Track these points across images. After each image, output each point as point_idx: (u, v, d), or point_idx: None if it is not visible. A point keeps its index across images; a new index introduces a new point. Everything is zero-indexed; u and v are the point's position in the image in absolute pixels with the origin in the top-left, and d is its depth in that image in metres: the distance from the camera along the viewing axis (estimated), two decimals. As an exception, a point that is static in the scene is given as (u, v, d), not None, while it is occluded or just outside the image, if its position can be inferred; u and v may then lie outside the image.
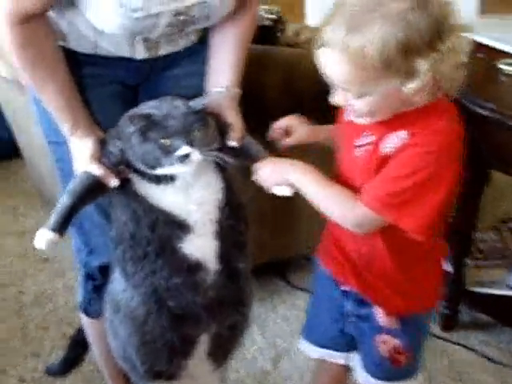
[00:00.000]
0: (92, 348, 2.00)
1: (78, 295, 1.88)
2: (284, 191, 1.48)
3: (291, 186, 1.46)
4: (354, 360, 1.69)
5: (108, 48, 1.58)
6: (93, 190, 1.49)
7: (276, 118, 2.14)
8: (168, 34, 1.55)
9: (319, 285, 1.69)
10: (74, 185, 1.49)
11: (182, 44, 1.67)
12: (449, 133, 1.34)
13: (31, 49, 1.47)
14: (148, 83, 1.69)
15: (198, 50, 1.70)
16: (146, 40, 1.57)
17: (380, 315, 1.55)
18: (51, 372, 2.26)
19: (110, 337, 1.71)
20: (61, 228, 1.41)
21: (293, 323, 2.55)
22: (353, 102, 1.34)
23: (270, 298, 2.68)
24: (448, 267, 2.50)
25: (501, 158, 2.13)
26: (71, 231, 1.80)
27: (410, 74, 1.26)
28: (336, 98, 1.37)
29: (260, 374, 2.32)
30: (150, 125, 1.42)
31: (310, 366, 2.28)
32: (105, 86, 1.64)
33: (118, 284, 1.61)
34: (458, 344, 2.47)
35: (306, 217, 2.54)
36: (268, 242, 2.44)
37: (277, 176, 1.48)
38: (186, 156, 1.41)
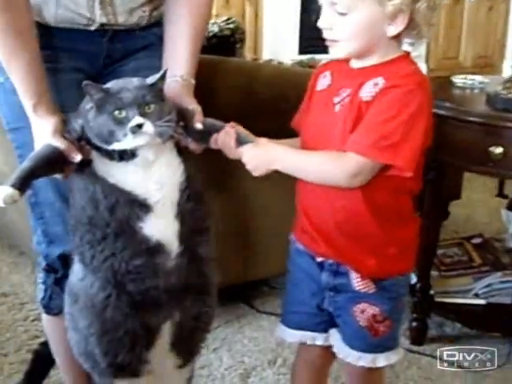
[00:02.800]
0: (54, 352, 1.91)
1: (39, 292, 1.82)
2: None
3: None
4: (333, 337, 1.66)
5: (68, 4, 1.60)
6: (53, 161, 1.47)
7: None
8: None
9: (296, 263, 1.67)
10: (34, 152, 1.48)
11: (136, 16, 1.70)
12: (420, 74, 1.46)
13: (8, 13, 1.49)
14: (107, 76, 1.70)
15: (155, 45, 1.74)
16: None
17: (356, 279, 1.54)
18: None
19: (69, 332, 1.65)
20: (20, 186, 1.37)
21: (260, 343, 2.51)
22: (336, 21, 1.43)
23: (236, 321, 2.64)
24: (413, 280, 2.51)
25: (456, 154, 2.25)
26: (33, 224, 1.78)
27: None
28: (322, 20, 1.45)
29: (230, 390, 2.26)
30: (105, 97, 1.42)
31: (281, 380, 2.26)
32: (66, 72, 1.65)
33: (76, 273, 1.57)
34: (431, 356, 2.45)
35: (266, 238, 2.56)
36: (229, 263, 2.42)
37: (263, 166, 1.52)
38: (139, 127, 1.40)
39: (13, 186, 1.36)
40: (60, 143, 1.47)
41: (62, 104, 1.58)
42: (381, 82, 1.41)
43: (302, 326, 1.68)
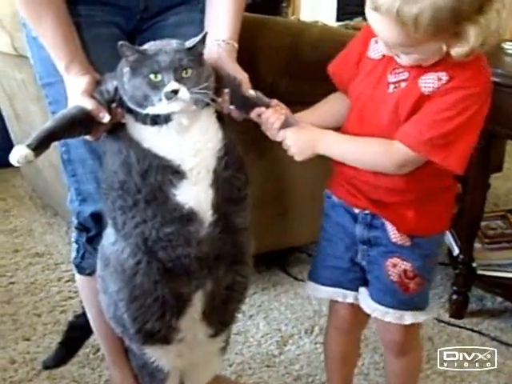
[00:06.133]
0: (87, 313, 1.87)
1: (72, 252, 1.80)
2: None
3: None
4: (362, 294, 1.65)
5: None
6: (79, 121, 1.42)
7: (282, 82, 2.10)
8: None
9: (330, 217, 1.66)
10: (60, 113, 1.43)
11: None
12: (485, 74, 1.41)
13: None
14: (145, 32, 1.66)
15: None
16: None
17: (393, 231, 1.54)
18: (49, 365, 2.05)
19: (101, 295, 1.63)
20: (36, 147, 1.33)
21: (297, 311, 2.48)
22: (398, 55, 1.40)
23: (272, 288, 2.61)
24: (456, 251, 2.45)
25: (508, 123, 2.18)
26: (66, 182, 1.76)
27: (458, 36, 1.30)
28: (381, 48, 1.42)
29: (266, 358, 2.22)
30: (141, 59, 1.36)
31: (318, 349, 2.21)
32: (100, 27, 1.60)
33: (109, 237, 1.53)
34: (471, 330, 2.39)
35: (303, 205, 2.51)
36: (266, 229, 2.37)
37: (307, 149, 1.51)
38: (174, 92, 1.34)
39: (28, 146, 1.32)
40: (88, 103, 1.42)
41: (96, 60, 1.54)
42: (444, 78, 1.37)
43: (334, 283, 1.67)
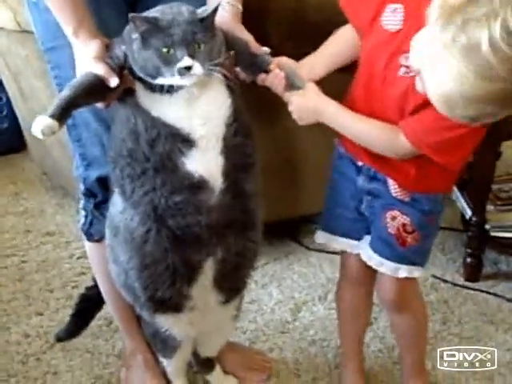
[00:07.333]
0: (98, 281, 1.88)
1: (80, 219, 1.80)
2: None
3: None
4: (364, 242, 1.66)
5: None
6: (94, 87, 1.39)
7: (287, 45, 2.08)
8: None
9: (336, 166, 1.67)
10: (74, 81, 1.40)
11: None
12: None
13: None
14: (146, 1, 1.61)
15: None
16: None
17: (393, 186, 1.56)
18: (61, 337, 2.06)
19: (110, 264, 1.62)
20: (59, 116, 1.30)
21: (310, 279, 2.46)
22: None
23: (284, 258, 2.59)
24: (468, 214, 2.43)
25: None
26: (71, 148, 1.75)
27: None
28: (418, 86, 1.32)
29: (280, 324, 2.21)
30: (152, 30, 1.33)
31: (333, 315, 2.20)
32: None
33: (116, 205, 1.52)
34: (487, 292, 2.37)
35: (314, 174, 2.47)
36: (276, 199, 2.35)
37: (310, 117, 1.51)
38: (188, 69, 1.32)
39: (52, 116, 1.28)
40: (100, 68, 1.39)
41: (100, 24, 1.50)
42: None
43: (341, 232, 1.69)
